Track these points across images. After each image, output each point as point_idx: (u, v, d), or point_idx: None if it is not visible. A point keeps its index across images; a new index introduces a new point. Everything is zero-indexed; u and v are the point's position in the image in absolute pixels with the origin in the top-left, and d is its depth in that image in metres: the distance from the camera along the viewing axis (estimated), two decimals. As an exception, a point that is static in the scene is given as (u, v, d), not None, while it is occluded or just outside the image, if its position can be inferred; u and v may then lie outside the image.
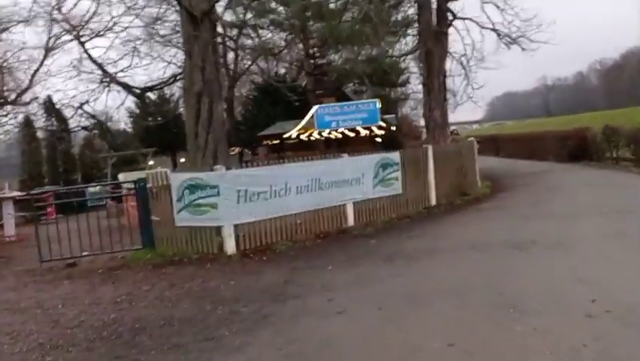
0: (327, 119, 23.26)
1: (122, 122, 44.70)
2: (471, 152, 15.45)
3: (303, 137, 28.56)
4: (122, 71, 32.60)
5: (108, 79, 32.09)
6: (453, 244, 8.34)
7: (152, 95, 42.22)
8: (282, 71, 43.85)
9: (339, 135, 28.88)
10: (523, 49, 20.55)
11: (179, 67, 36.89)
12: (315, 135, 27.60)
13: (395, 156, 12.25)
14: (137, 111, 41.59)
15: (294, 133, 26.82)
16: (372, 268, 7.38)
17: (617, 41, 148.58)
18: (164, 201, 9.83)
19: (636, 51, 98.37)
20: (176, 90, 41.32)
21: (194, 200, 9.38)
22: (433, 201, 13.18)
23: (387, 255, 8.12)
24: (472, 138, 17.23)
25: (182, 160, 48.09)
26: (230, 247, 9.25)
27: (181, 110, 45.36)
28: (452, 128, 28.07)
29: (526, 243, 7.62)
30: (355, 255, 8.48)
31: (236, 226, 9.37)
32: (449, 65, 20.93)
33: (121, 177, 19.30)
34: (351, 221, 11.17)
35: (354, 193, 11.26)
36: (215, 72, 11.21)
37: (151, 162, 46.19)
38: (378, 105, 23.19)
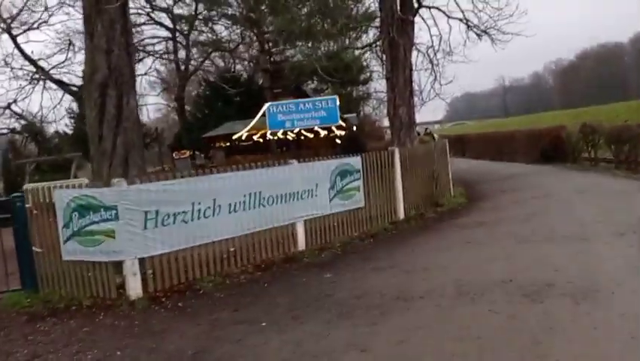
0: (281, 118, 20.81)
1: (63, 124, 41.35)
2: (443, 155, 13.42)
3: (257, 138, 26.07)
4: (55, 67, 29.52)
5: (39, 75, 28.97)
6: (432, 284, 6.13)
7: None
8: (239, 67, 41.33)
9: (298, 137, 26.46)
10: (493, 40, 18.76)
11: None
12: (270, 137, 25.12)
13: (356, 161, 10.05)
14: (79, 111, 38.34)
15: (243, 134, 24.31)
16: (322, 330, 5.11)
17: (572, 42, 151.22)
18: (47, 227, 7.34)
19: (591, 51, 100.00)
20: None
21: (85, 226, 6.92)
22: (401, 215, 11.06)
23: (345, 303, 5.86)
24: (443, 139, 15.20)
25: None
26: (133, 288, 6.82)
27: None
28: (426, 127, 26.04)
29: (539, 287, 5.41)
30: (302, 300, 6.20)
31: (142, 260, 6.96)
32: (415, 58, 19.01)
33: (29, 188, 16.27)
34: (301, 244, 8.91)
35: (306, 209, 9.01)
36: (127, 57, 8.72)
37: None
38: (338, 103, 20.93)
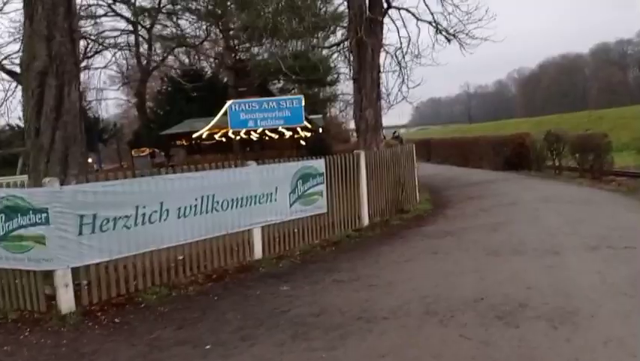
0: (243, 117, 19.99)
1: (16, 117, 39.52)
2: (410, 159, 12.99)
3: (219, 137, 25.16)
4: (7, 57, 27.92)
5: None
6: (397, 301, 5.59)
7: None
8: (203, 64, 40.26)
9: (262, 137, 25.67)
10: (462, 45, 18.51)
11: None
12: (232, 136, 24.21)
13: (319, 164, 9.48)
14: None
15: (204, 133, 23.40)
16: (274, 355, 4.51)
17: (534, 50, 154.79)
18: (-32, 230, 6.51)
19: (553, 61, 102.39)
20: (88, 78, 36.60)
21: (13, 230, 6.13)
22: (366, 221, 10.55)
23: (302, 321, 5.27)
24: (410, 144, 14.79)
25: (90, 160, 43.24)
26: (65, 301, 6.06)
27: (87, 104, 40.69)
28: (394, 130, 25.48)
29: (513, 307, 4.93)
30: (254, 318, 5.58)
31: (77, 270, 6.21)
32: (383, 60, 18.61)
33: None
34: (258, 252, 8.28)
35: (265, 214, 8.39)
36: (70, 45, 7.91)
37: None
38: (303, 103, 20.28)
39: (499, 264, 6.77)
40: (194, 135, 24.47)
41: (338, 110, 43.39)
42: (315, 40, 21.91)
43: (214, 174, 7.75)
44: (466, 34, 17.93)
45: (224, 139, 25.20)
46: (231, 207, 7.89)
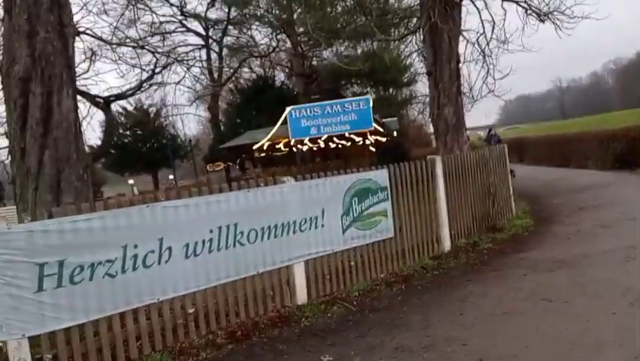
0: (305, 124, 18.09)
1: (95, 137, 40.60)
2: (502, 163, 10.48)
3: (283, 148, 23.45)
4: (79, 76, 28.11)
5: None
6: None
7: (128, 107, 37.85)
8: (277, 74, 39.21)
9: (330, 145, 23.67)
10: (557, 26, 15.62)
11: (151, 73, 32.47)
12: (299, 146, 22.37)
13: (381, 175, 7.37)
14: (113, 125, 37.13)
15: (265, 144, 21.81)
16: None
17: (629, 39, 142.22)
18: None
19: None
20: (155, 100, 36.87)
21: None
22: (446, 245, 8.27)
23: None
24: (502, 144, 12.24)
25: (171, 177, 43.52)
26: (20, 386, 4.40)
27: (163, 121, 40.92)
28: (490, 127, 21.97)
29: None
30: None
31: (35, 339, 4.54)
32: (463, 48, 16.15)
33: None
34: (302, 295, 6.31)
35: (308, 245, 6.42)
36: (59, 42, 6.43)
37: (130, 181, 41.73)
38: (371, 104, 18.05)
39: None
40: (255, 147, 22.97)
41: (417, 111, 40.74)
42: (386, 38, 19.70)
43: (236, 196, 5.86)
44: (562, 13, 15.13)
45: (287, 150, 23.53)
46: (261, 238, 5.98)
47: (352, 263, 6.91)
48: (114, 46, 29.46)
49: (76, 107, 6.56)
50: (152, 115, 39.79)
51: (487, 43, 16.20)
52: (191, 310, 5.41)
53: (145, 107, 38.85)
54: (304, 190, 6.48)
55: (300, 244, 6.32)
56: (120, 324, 4.94)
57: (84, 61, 28.66)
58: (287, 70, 37.55)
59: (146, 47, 30.35)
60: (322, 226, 6.57)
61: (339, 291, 6.62)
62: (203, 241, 5.51)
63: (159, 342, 5.17)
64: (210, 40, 37.90)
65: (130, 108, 38.47)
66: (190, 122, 52.42)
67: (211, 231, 5.58)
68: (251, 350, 5.18)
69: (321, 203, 6.59)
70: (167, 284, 5.23)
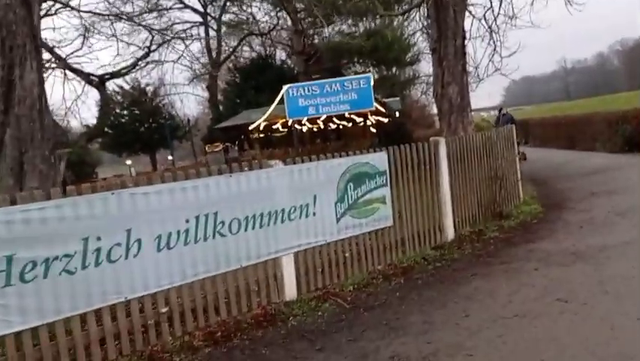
0: (303, 103, 17.30)
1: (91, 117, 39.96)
2: (510, 145, 9.82)
3: (281, 128, 22.71)
4: (72, 54, 27.33)
5: (55, 64, 26.87)
6: None
7: (125, 85, 37.06)
8: (278, 53, 38.30)
9: (330, 125, 22.95)
10: (567, 1, 14.84)
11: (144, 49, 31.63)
12: (297, 126, 21.62)
13: (379, 158, 6.74)
14: (110, 104, 36.32)
15: (261, 124, 21.08)
16: None
17: (636, 19, 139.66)
18: None
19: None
20: (153, 79, 36.11)
21: None
22: (450, 233, 7.68)
23: None
24: (509, 125, 11.57)
25: (170, 158, 42.83)
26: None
27: (160, 101, 40.13)
28: (500, 106, 20.93)
29: None
30: None
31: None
32: (469, 25, 15.36)
33: None
34: (290, 290, 5.74)
35: (298, 235, 5.84)
36: (23, 10, 5.77)
37: (128, 162, 41.10)
38: (372, 82, 17.24)
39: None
40: (251, 127, 22.24)
41: (420, 92, 39.85)
42: (386, 13, 18.83)
43: (216, 181, 5.25)
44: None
45: (285, 130, 22.80)
46: (245, 228, 5.39)
47: (347, 255, 6.33)
48: (109, 21, 28.57)
49: (41, 81, 5.92)
50: (149, 94, 39.02)
51: (495, 19, 15.48)
52: (164, 310, 4.84)
53: (142, 86, 38.07)
54: (294, 175, 5.86)
55: (288, 235, 5.73)
56: (81, 327, 4.38)
57: (77, 38, 27.77)
58: (288, 48, 36.65)
59: (142, 25, 29.55)
60: (314, 214, 5.97)
61: (332, 285, 6.06)
62: (178, 232, 4.92)
63: (127, 345, 4.61)
64: (209, 18, 36.99)
65: (127, 87, 37.70)
66: (190, 102, 51.47)
67: (187, 221, 4.98)
68: (230, 355, 4.63)
69: (313, 189, 5.99)
70: (136, 281, 4.66)
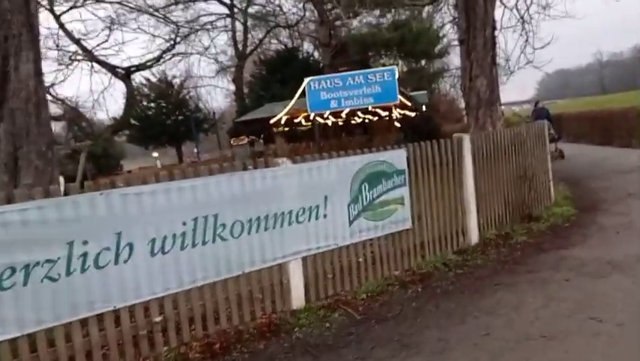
0: (324, 96, 16.82)
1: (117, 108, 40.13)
2: (541, 143, 9.20)
3: (304, 122, 22.24)
4: (98, 46, 27.41)
5: (81, 56, 27.03)
6: None
7: (151, 78, 37.18)
8: (305, 45, 37.90)
9: (356, 119, 22.40)
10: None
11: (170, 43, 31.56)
12: (319, 120, 21.11)
13: (397, 157, 6.26)
14: (136, 96, 36.47)
15: (283, 118, 20.67)
16: None
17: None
18: None
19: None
20: (179, 71, 36.15)
21: None
22: (474, 237, 7.16)
23: None
24: (541, 121, 10.91)
25: (195, 151, 42.91)
26: None
27: (187, 93, 40.16)
28: (537, 100, 19.94)
29: None
30: None
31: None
32: (500, 16, 14.72)
33: None
34: (298, 298, 5.34)
35: (307, 239, 5.42)
36: (21, -2, 5.47)
37: (155, 154, 41.31)
38: (397, 75, 16.63)
39: None
40: (272, 121, 21.88)
41: (449, 85, 38.88)
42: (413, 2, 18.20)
43: (216, 181, 4.87)
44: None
45: (309, 124, 22.35)
46: (248, 231, 5.00)
47: (360, 260, 5.89)
48: (135, 14, 28.49)
49: (38, 73, 5.64)
50: (176, 87, 39.09)
51: (527, 9, 14.76)
52: (157, 319, 4.50)
53: (169, 78, 38.15)
54: (303, 174, 5.45)
55: (296, 238, 5.32)
56: (65, 338, 4.06)
57: (103, 31, 27.84)
58: (315, 41, 36.19)
59: (167, 17, 29.43)
60: (324, 216, 5.55)
61: (343, 292, 5.63)
62: (174, 236, 4.56)
63: (116, 358, 4.28)
64: (235, 10, 36.75)
65: (154, 80, 37.82)
66: (217, 94, 51.42)
67: (184, 223, 4.62)
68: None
69: (324, 189, 5.56)
70: (127, 288, 4.32)
